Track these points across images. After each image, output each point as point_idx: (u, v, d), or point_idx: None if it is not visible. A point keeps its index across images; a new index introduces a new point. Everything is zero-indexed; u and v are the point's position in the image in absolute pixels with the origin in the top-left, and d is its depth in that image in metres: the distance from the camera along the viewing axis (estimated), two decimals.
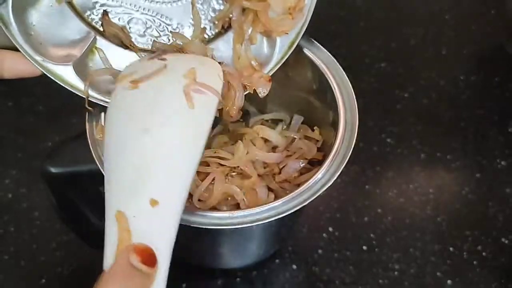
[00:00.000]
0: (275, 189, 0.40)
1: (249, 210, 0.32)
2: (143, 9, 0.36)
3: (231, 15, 0.36)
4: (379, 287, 0.49)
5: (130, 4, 0.35)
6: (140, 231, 0.27)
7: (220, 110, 0.35)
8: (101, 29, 0.35)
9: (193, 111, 0.31)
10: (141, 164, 0.29)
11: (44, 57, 0.33)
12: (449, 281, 0.49)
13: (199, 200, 0.38)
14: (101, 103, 0.34)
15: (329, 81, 0.38)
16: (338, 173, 0.33)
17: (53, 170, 0.36)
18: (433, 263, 0.50)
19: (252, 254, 0.47)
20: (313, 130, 0.43)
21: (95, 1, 0.35)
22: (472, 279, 0.49)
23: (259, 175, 0.39)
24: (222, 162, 0.39)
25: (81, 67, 0.34)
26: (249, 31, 0.36)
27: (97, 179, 0.31)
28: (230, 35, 0.37)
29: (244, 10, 0.35)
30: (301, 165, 0.41)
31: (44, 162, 0.36)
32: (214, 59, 0.36)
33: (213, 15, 0.36)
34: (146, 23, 0.36)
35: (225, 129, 0.45)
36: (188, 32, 0.36)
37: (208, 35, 0.37)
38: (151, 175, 0.28)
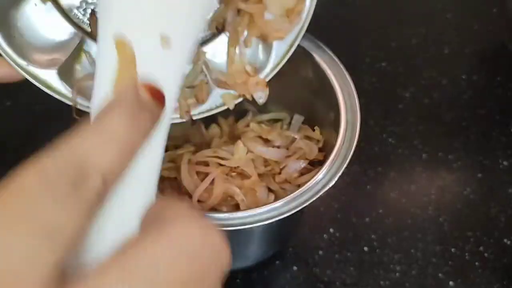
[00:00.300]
0: (276, 190, 0.40)
1: (249, 211, 0.32)
2: None
3: (225, 17, 0.34)
4: None
5: None
6: (146, 65, 0.23)
7: None
8: (89, 29, 0.34)
9: None
10: None
11: (28, 61, 0.31)
12: (451, 282, 0.49)
13: (198, 200, 0.38)
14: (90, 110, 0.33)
15: (331, 80, 0.38)
16: (339, 173, 0.33)
17: None
18: (435, 264, 0.50)
19: (252, 255, 0.47)
20: (313, 130, 0.43)
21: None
22: (474, 280, 0.49)
23: (259, 175, 0.39)
24: (222, 162, 0.39)
25: (67, 71, 0.32)
26: (245, 34, 0.34)
27: None
28: (224, 37, 0.35)
29: (239, 12, 0.34)
30: (302, 166, 0.40)
31: None
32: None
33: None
34: None
35: (223, 129, 0.44)
36: None
37: (202, 37, 0.35)
38: (168, 8, 0.25)
